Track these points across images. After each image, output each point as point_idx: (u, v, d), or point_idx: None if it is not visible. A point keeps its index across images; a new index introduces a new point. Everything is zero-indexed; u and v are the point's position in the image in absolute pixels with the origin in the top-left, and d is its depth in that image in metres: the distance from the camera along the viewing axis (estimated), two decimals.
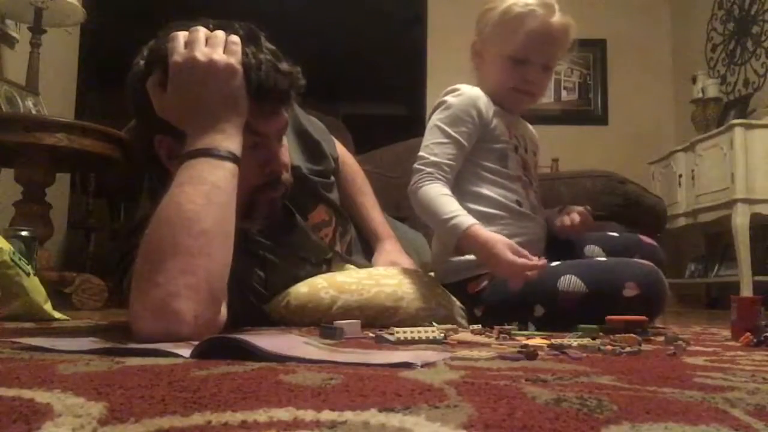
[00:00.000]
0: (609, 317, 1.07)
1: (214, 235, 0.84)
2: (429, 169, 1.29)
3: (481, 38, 1.40)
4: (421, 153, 1.33)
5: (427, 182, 1.28)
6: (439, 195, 1.27)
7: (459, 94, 1.36)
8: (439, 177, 1.29)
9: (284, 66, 0.99)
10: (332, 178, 1.47)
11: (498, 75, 1.38)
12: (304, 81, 1.02)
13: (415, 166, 1.32)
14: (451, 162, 1.30)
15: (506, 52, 1.34)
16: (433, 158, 1.30)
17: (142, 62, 0.99)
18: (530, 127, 1.52)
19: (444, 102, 1.37)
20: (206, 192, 0.86)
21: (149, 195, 1.16)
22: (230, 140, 0.91)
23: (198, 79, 0.90)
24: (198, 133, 0.90)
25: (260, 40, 0.99)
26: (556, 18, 1.33)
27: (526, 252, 1.17)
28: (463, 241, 1.21)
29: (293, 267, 1.29)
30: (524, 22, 1.31)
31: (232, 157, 0.90)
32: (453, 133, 1.32)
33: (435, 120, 1.35)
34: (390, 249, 1.49)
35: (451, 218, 1.23)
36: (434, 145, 1.32)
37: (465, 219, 1.22)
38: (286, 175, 1.11)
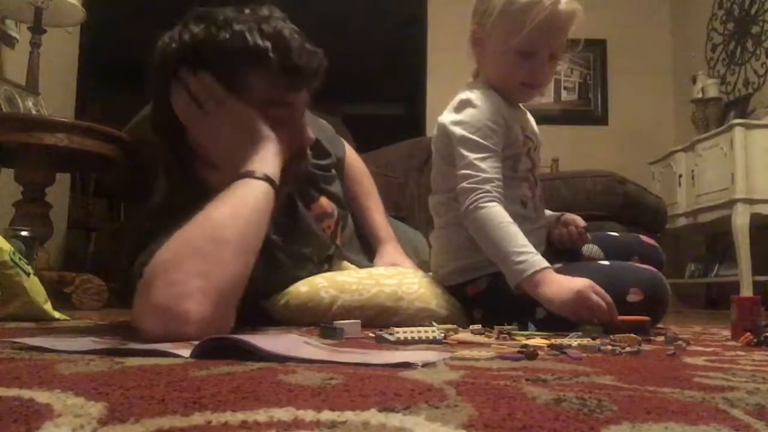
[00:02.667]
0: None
1: (234, 245, 0.87)
2: (485, 187, 1.22)
3: (483, 28, 1.32)
4: (465, 171, 1.25)
5: (487, 202, 1.22)
6: (504, 223, 1.20)
7: (478, 105, 1.29)
8: (497, 196, 1.23)
9: (310, 45, 1.05)
10: (333, 171, 1.47)
11: (504, 69, 1.32)
12: (325, 60, 1.08)
13: (465, 185, 1.24)
14: (499, 176, 1.25)
15: (512, 45, 1.27)
16: (483, 175, 1.24)
17: (174, 45, 1.02)
18: (530, 116, 1.47)
19: (467, 115, 1.29)
20: (233, 204, 0.90)
21: (166, 176, 1.18)
22: (265, 163, 0.97)
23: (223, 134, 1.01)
24: (237, 167, 0.97)
25: (286, 20, 1.05)
26: (563, 5, 1.25)
27: (603, 292, 1.11)
28: (530, 281, 1.15)
29: (296, 264, 1.29)
30: (531, 13, 1.23)
31: (266, 179, 0.95)
32: (491, 146, 1.26)
33: (465, 134, 1.27)
34: (391, 251, 1.50)
35: (521, 253, 1.17)
36: (478, 160, 1.25)
37: (537, 260, 1.16)
38: (309, 151, 1.16)
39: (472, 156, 1.25)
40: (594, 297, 1.09)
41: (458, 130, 1.29)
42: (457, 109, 1.32)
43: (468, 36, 1.37)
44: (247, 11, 1.03)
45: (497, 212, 1.21)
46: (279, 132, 1.03)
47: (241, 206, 0.91)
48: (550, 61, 1.31)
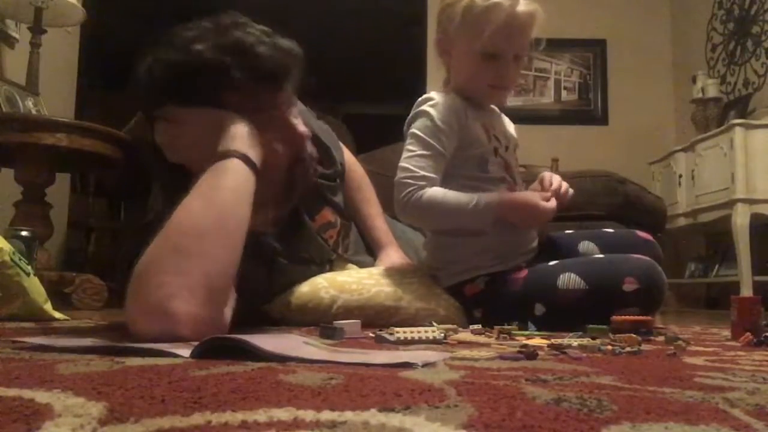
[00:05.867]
0: (615, 317, 1.07)
1: (213, 235, 0.85)
2: (421, 183, 1.28)
3: (446, 36, 1.36)
4: (404, 164, 1.30)
5: (422, 189, 1.27)
6: (446, 193, 1.27)
7: (435, 103, 1.33)
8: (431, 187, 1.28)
9: (281, 43, 1.02)
10: (337, 181, 1.47)
11: (470, 73, 1.35)
12: (301, 51, 1.05)
13: (402, 180, 1.29)
14: (435, 175, 1.29)
15: (475, 48, 1.30)
16: (422, 172, 1.28)
17: (145, 81, 1.02)
18: (507, 120, 1.50)
19: (423, 112, 1.34)
20: (203, 193, 0.87)
21: (161, 188, 1.18)
22: (232, 141, 0.93)
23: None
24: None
25: (250, 24, 1.02)
26: (521, 6, 1.29)
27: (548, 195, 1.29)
28: (502, 211, 1.27)
29: (298, 269, 1.29)
30: (490, 16, 1.27)
31: (236, 154, 0.92)
32: (436, 145, 1.30)
33: (416, 130, 1.33)
34: (392, 254, 1.50)
35: (477, 201, 1.26)
36: (418, 158, 1.30)
37: (490, 195, 1.28)
38: (309, 145, 1.14)
39: (416, 151, 1.31)
40: (545, 204, 1.26)
41: (411, 126, 1.34)
42: (414, 107, 1.37)
43: (435, 47, 1.41)
44: (207, 24, 1.01)
45: (435, 190, 1.28)
46: (271, 133, 1.01)
47: (213, 192, 0.88)
48: (515, 62, 1.34)
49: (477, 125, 1.36)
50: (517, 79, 1.42)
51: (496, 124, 1.43)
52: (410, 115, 1.38)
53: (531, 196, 1.29)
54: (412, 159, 1.30)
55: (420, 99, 1.38)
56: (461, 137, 1.33)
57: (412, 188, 1.27)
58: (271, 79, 1.01)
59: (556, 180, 1.36)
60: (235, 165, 0.91)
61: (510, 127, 1.49)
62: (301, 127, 1.10)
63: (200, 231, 0.84)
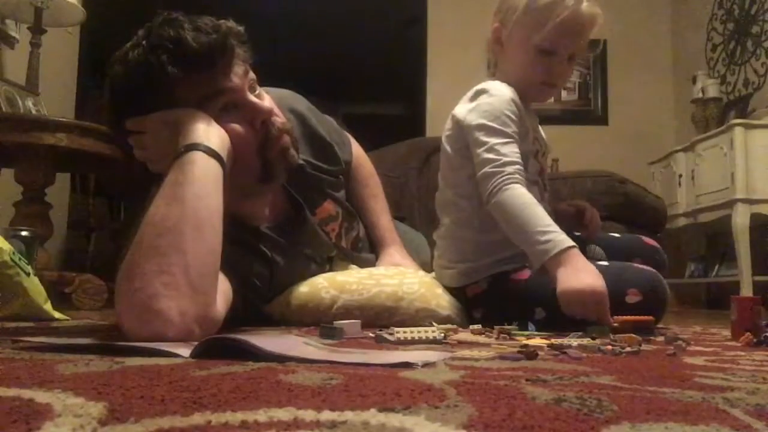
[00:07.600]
0: (615, 317, 1.07)
1: (181, 230, 0.85)
2: (507, 170, 1.21)
3: (505, 26, 1.33)
4: (486, 156, 1.23)
5: (510, 184, 1.20)
6: (527, 203, 1.19)
7: (493, 93, 1.29)
8: (519, 178, 1.21)
9: (207, 24, 1.00)
10: (341, 177, 1.47)
11: (523, 67, 1.32)
12: (238, 27, 1.04)
13: (486, 170, 1.22)
14: (520, 161, 1.24)
15: (533, 42, 1.28)
16: (504, 159, 1.22)
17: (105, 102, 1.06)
18: (538, 123, 1.48)
19: (484, 103, 1.29)
20: (169, 192, 0.88)
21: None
22: (186, 136, 0.94)
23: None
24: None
25: (183, 17, 1.01)
26: (585, 6, 1.27)
27: (606, 302, 1.10)
28: (555, 261, 1.13)
29: (299, 266, 1.29)
30: (554, 11, 1.26)
31: (189, 147, 0.92)
32: (510, 132, 1.25)
33: (482, 121, 1.26)
34: (394, 253, 1.49)
35: (546, 233, 1.15)
36: (499, 145, 1.24)
37: (563, 239, 1.15)
38: (281, 119, 1.11)
39: (492, 141, 1.25)
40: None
41: (475, 118, 1.28)
42: (473, 98, 1.33)
43: (488, 35, 1.37)
44: (141, 31, 1.02)
45: (520, 193, 1.20)
46: (231, 116, 1.02)
47: (178, 188, 0.88)
48: (569, 61, 1.33)
49: (527, 122, 1.34)
50: (568, 78, 1.41)
51: (536, 128, 1.41)
52: (469, 106, 1.31)
53: (599, 284, 1.11)
54: (492, 149, 1.23)
55: (477, 89, 1.32)
56: (519, 126, 1.30)
57: (498, 177, 1.21)
58: (208, 62, 0.99)
59: (596, 217, 1.39)
60: (195, 157, 0.91)
61: (542, 131, 1.47)
62: (263, 104, 1.08)
63: (172, 228, 0.84)
